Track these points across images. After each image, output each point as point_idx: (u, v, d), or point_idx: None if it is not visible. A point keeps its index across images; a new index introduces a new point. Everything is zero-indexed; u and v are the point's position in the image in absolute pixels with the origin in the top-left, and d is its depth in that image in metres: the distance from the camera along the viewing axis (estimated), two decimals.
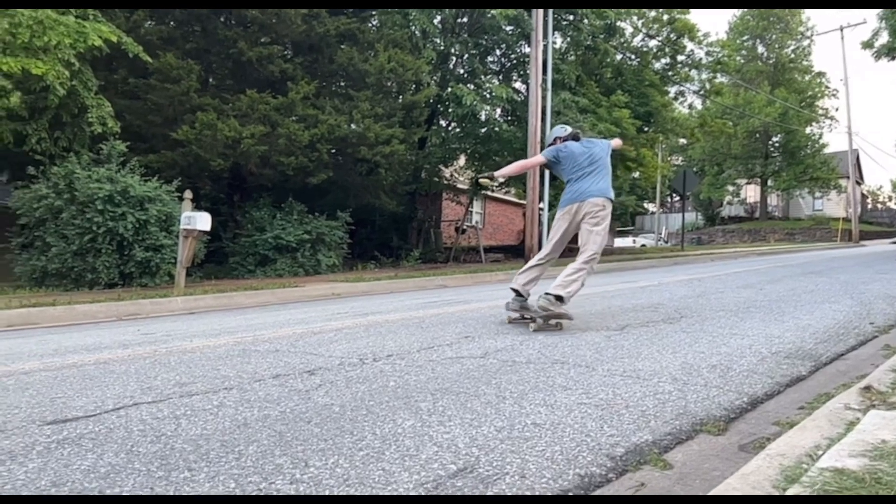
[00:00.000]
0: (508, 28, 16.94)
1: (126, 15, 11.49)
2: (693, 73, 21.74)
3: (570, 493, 1.74)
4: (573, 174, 4.92)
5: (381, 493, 1.74)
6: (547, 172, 13.31)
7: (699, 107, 30.40)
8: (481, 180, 5.63)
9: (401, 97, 15.30)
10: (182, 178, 10.87)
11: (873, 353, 3.58)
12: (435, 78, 16.87)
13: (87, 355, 4.11)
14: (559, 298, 4.49)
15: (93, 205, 9.19)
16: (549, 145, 5.33)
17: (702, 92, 23.67)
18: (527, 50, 16.63)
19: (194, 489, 1.80)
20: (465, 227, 21.17)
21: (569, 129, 5.29)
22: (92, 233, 9.21)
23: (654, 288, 8.02)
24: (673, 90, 22.46)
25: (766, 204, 43.43)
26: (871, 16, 25.40)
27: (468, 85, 16.54)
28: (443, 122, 19.39)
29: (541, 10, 14.24)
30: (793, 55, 41.39)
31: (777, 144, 40.07)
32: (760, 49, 42.07)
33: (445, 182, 20.34)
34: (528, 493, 1.73)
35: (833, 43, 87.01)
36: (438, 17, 16.75)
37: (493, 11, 15.39)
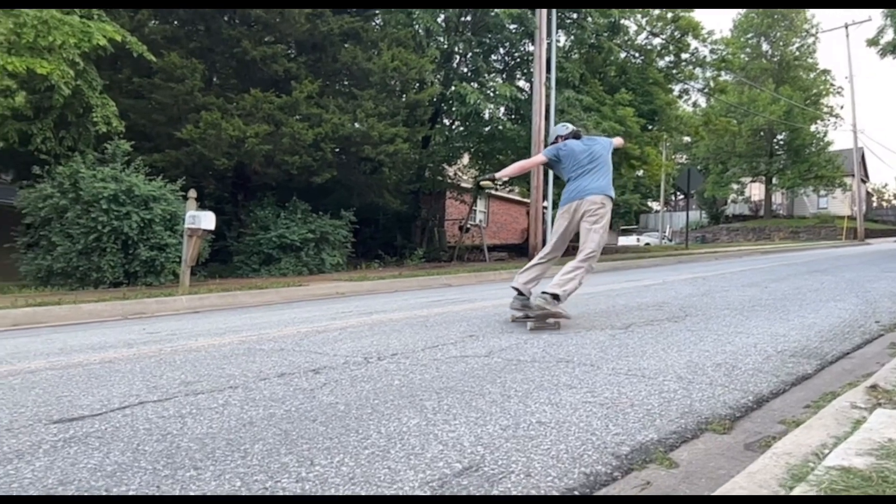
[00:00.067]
0: (512, 26, 16.92)
1: (130, 14, 11.51)
2: (697, 70, 21.69)
3: (576, 492, 1.74)
4: (573, 172, 4.91)
5: (386, 492, 1.74)
6: (551, 171, 13.31)
7: (703, 105, 30.39)
8: (482, 183, 5.58)
9: (404, 96, 15.31)
10: (186, 177, 10.90)
11: (879, 351, 3.56)
12: (438, 77, 16.85)
13: (93, 354, 4.13)
14: (555, 297, 4.47)
15: (98, 204, 9.22)
16: (551, 144, 5.32)
17: (706, 90, 23.61)
18: (530, 48, 16.60)
19: (200, 488, 1.81)
20: (468, 225, 21.19)
21: (570, 128, 5.27)
22: (97, 232, 9.24)
23: (658, 286, 8.00)
24: (677, 88, 22.42)
25: (771, 202, 43.33)
26: (877, 13, 25.29)
27: (472, 83, 16.54)
28: (446, 121, 19.39)
29: (545, 9, 14.23)
30: (797, 53, 41.28)
31: (782, 142, 39.98)
32: (765, 47, 41.98)
33: (449, 181, 20.33)
34: (533, 492, 1.73)
35: (838, 40, 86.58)
36: (442, 16, 16.73)
37: (497, 10, 15.38)
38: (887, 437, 1.73)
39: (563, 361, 3.41)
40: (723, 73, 22.94)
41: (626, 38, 19.96)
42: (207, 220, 8.21)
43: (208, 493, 1.77)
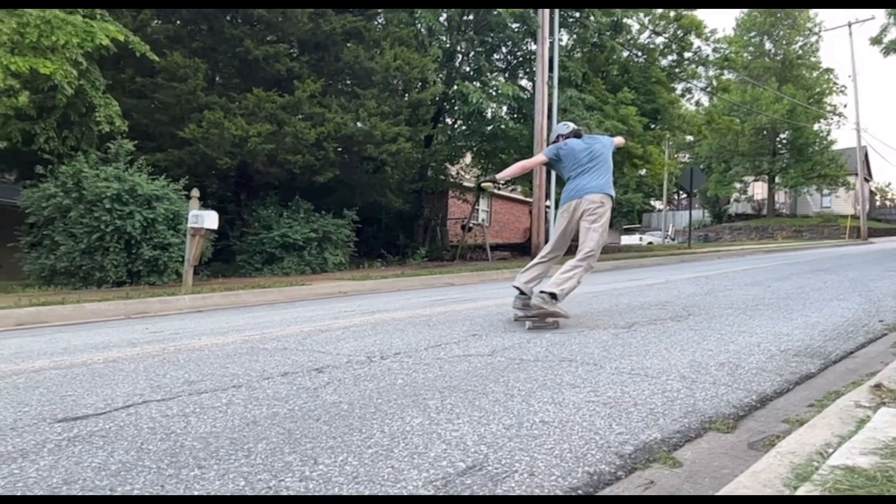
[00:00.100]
0: (514, 25, 16.92)
1: (133, 14, 11.53)
2: (700, 69, 21.66)
3: (580, 491, 1.74)
4: (573, 171, 4.90)
5: (390, 491, 1.74)
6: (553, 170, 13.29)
7: (706, 104, 30.29)
8: (483, 185, 5.56)
9: (407, 95, 15.31)
10: (189, 176, 10.92)
11: (883, 350, 3.56)
12: (441, 76, 16.85)
13: (97, 353, 4.14)
14: (553, 296, 4.46)
15: (101, 203, 9.24)
16: (552, 143, 5.31)
17: (709, 89, 23.58)
18: (533, 47, 16.60)
19: (204, 487, 1.81)
20: (471, 225, 21.19)
21: (571, 126, 5.26)
22: (100, 231, 9.26)
23: (661, 285, 8.00)
24: (680, 87, 22.39)
25: (774, 201, 43.26)
26: (880, 12, 25.25)
27: (474, 83, 16.55)
28: (449, 120, 19.39)
29: (547, 8, 14.22)
30: (800, 51, 41.19)
31: (785, 141, 39.89)
32: (768, 45, 41.89)
33: (451, 180, 20.34)
34: (537, 491, 1.72)
35: (841, 39, 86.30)
36: (444, 15, 16.73)
37: (500, 9, 15.37)
38: (891, 437, 1.73)
39: (566, 360, 3.41)
40: (725, 71, 22.91)
41: (628, 37, 19.95)
42: (210, 220, 8.23)
43: (212, 493, 1.77)
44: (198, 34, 13.15)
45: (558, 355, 3.56)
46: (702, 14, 20.78)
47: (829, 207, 42.40)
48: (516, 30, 17.18)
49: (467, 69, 18.07)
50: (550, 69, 14.79)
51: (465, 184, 21.25)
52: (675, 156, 41.70)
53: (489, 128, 17.68)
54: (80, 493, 1.79)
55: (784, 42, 41.18)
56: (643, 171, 22.46)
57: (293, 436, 2.25)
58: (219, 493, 1.76)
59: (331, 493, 1.74)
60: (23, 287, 9.29)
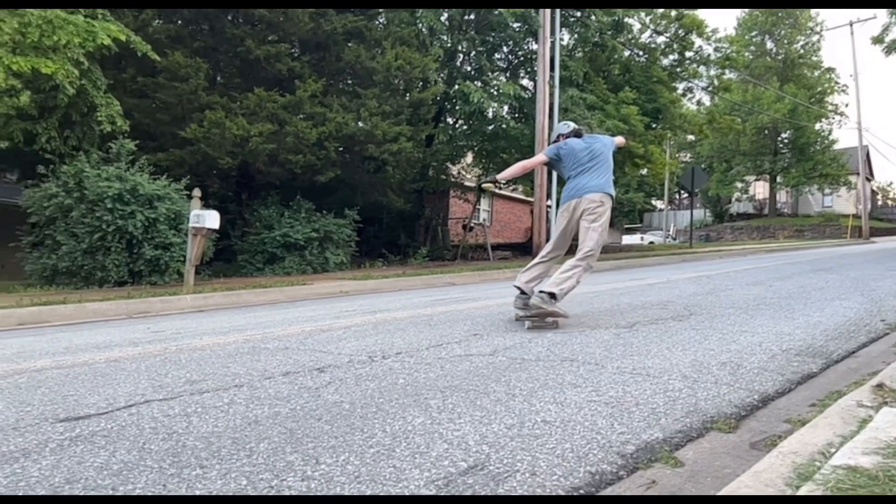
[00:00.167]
0: (516, 25, 16.92)
1: (134, 14, 11.54)
2: (701, 69, 21.64)
3: (581, 491, 1.74)
4: (573, 170, 4.89)
5: (392, 490, 1.74)
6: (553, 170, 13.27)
7: (707, 103, 30.31)
8: (484, 186, 5.56)
9: (408, 95, 15.32)
10: (191, 176, 10.93)
11: (885, 349, 3.55)
12: (442, 75, 16.86)
13: (98, 353, 4.14)
14: (552, 296, 4.45)
15: (102, 203, 9.25)
16: (553, 142, 5.30)
17: (710, 88, 23.56)
18: (534, 47, 16.59)
19: (206, 486, 1.81)
20: (472, 224, 21.20)
21: (572, 126, 5.25)
22: (101, 231, 9.27)
23: (662, 285, 7.99)
24: (681, 86, 22.37)
25: (776, 201, 43.21)
26: (882, 11, 25.21)
27: (475, 82, 16.55)
28: (450, 120, 19.39)
29: (548, 8, 14.21)
30: (802, 51, 41.11)
31: (786, 141, 39.85)
32: (769, 45, 41.82)
33: (453, 180, 20.34)
34: (539, 491, 1.72)
35: (843, 38, 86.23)
36: (445, 15, 16.74)
37: (501, 9, 15.37)
38: (893, 436, 1.73)
39: (567, 360, 3.41)
40: (727, 71, 22.88)
41: (629, 36, 19.94)
42: (212, 219, 8.23)
43: (214, 492, 1.77)
44: (199, 34, 13.17)
45: (560, 355, 3.56)
46: (703, 14, 20.74)
47: (830, 207, 42.33)
48: (517, 29, 17.18)
49: (468, 69, 18.07)
50: (552, 68, 14.79)
51: (467, 183, 21.25)
52: (677, 155, 41.71)
53: (490, 127, 17.68)
54: (82, 493, 1.79)
55: (785, 41, 41.12)
56: (644, 171, 22.47)
57: (295, 435, 2.25)
58: (221, 493, 1.77)
59: (333, 493, 1.74)
60: (24, 287, 9.31)
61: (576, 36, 18.95)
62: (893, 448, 1.64)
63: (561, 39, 16.71)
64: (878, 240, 30.55)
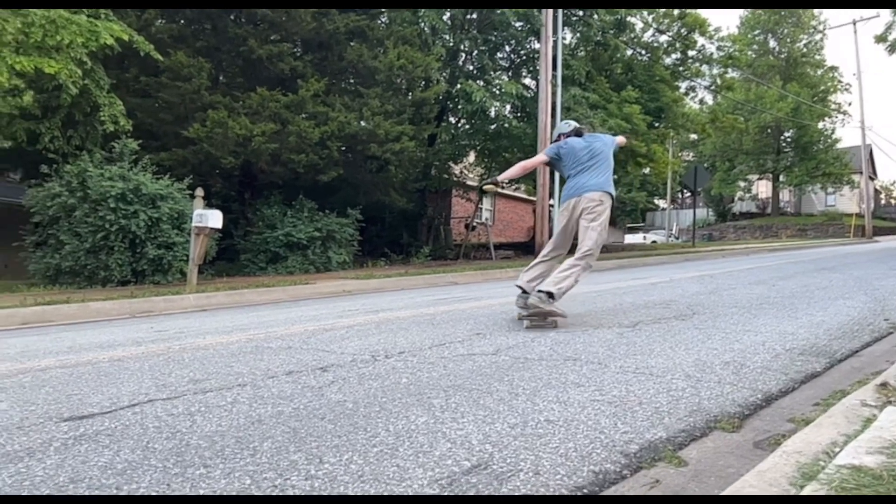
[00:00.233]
0: (518, 24, 16.91)
1: (137, 14, 11.57)
2: (704, 68, 21.59)
3: (585, 490, 1.74)
4: (573, 169, 4.89)
5: (395, 490, 1.74)
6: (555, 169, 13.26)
7: (710, 102, 30.22)
8: (485, 188, 5.56)
9: (410, 94, 15.31)
10: (193, 175, 10.94)
11: (888, 349, 3.55)
12: (444, 75, 16.85)
13: (102, 352, 4.15)
14: (550, 295, 4.44)
15: (105, 203, 9.26)
16: (554, 141, 5.30)
17: (713, 87, 23.52)
18: (536, 46, 16.58)
19: (210, 485, 1.81)
20: (474, 223, 21.17)
21: (572, 125, 5.25)
22: (105, 231, 9.28)
23: (665, 284, 7.98)
24: (684, 85, 22.35)
25: (778, 200, 43.14)
26: (885, 11, 25.12)
27: (478, 81, 16.52)
28: (452, 119, 19.39)
29: (551, 8, 14.20)
30: (805, 49, 41.00)
31: (789, 140, 39.78)
32: (772, 43, 41.72)
33: (455, 179, 20.32)
34: (542, 490, 1.72)
35: (846, 37, 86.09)
36: (448, 14, 16.73)
37: (503, 8, 15.36)
38: None
39: (570, 359, 3.40)
40: (730, 70, 22.84)
41: (632, 35, 19.90)
42: (215, 219, 8.24)
43: (218, 492, 1.77)
44: (201, 34, 13.18)
45: (563, 354, 3.56)
46: (706, 13, 20.68)
47: (833, 206, 42.25)
48: (520, 28, 17.16)
49: (471, 68, 18.05)
50: (554, 68, 14.78)
51: (469, 183, 21.24)
52: (679, 154, 41.64)
53: (493, 126, 17.66)
54: (86, 492, 1.80)
55: (788, 40, 41.01)
56: (647, 170, 22.42)
57: (298, 434, 2.25)
58: (224, 493, 1.77)
59: (336, 493, 1.75)
60: (28, 286, 9.33)
61: (578, 35, 18.93)
62: None
63: (563, 38, 16.70)
64: (881, 239, 30.47)
